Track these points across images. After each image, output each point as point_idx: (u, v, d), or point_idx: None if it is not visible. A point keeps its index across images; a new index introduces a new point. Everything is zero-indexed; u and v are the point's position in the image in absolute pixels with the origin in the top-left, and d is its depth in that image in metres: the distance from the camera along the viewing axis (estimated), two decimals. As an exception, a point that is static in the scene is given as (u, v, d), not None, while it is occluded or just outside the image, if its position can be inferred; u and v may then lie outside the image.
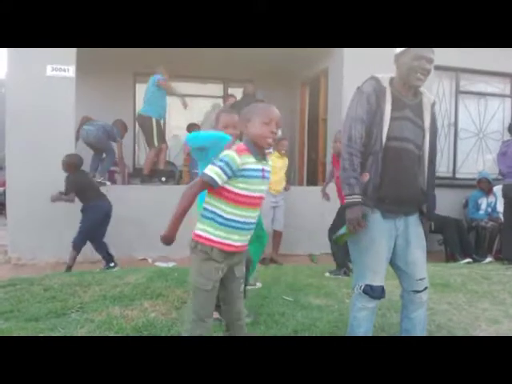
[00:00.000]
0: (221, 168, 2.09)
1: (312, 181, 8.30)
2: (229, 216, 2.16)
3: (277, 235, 6.14)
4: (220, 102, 8.63)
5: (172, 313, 3.51)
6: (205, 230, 2.19)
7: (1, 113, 6.27)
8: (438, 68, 7.01)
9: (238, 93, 7.67)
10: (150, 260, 5.81)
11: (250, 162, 2.16)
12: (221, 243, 2.18)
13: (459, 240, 6.30)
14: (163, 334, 3.05)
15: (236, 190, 2.16)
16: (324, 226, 5.17)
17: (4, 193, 7.28)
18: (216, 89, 8.95)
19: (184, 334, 2.30)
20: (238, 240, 2.22)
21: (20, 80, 5.65)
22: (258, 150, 2.22)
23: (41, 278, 4.60)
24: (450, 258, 6.26)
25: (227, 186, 2.15)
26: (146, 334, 3.07)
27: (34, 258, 5.61)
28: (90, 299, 3.80)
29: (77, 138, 6.32)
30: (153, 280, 4.30)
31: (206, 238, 2.18)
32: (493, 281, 4.69)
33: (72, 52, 5.74)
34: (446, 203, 6.92)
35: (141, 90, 7.40)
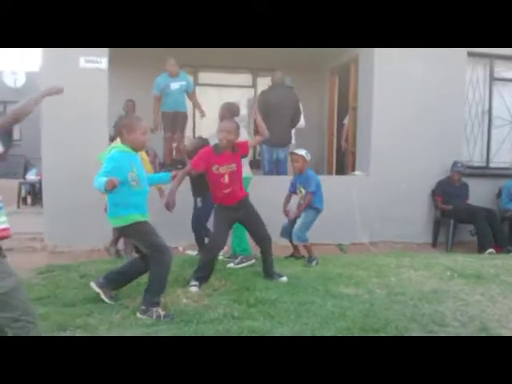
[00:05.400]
0: None
1: (341, 170, 8.27)
2: None
3: None
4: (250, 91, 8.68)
5: (204, 300, 3.57)
6: None
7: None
8: (471, 54, 6.85)
9: (266, 82, 7.63)
10: (180, 248, 5.89)
11: None
12: None
13: (492, 230, 6.16)
14: (195, 321, 3.12)
15: None
16: (352, 214, 5.14)
17: (40, 182, 7.50)
18: (245, 78, 8.95)
19: None
20: None
21: (54, 72, 5.73)
22: None
23: (77, 264, 4.74)
24: (482, 248, 6.14)
25: None
26: (178, 320, 3.15)
27: (70, 246, 5.76)
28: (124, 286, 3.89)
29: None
30: (184, 268, 4.37)
31: None
32: (527, 272, 4.60)
33: (104, 44, 5.82)
34: (479, 193, 6.79)
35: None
